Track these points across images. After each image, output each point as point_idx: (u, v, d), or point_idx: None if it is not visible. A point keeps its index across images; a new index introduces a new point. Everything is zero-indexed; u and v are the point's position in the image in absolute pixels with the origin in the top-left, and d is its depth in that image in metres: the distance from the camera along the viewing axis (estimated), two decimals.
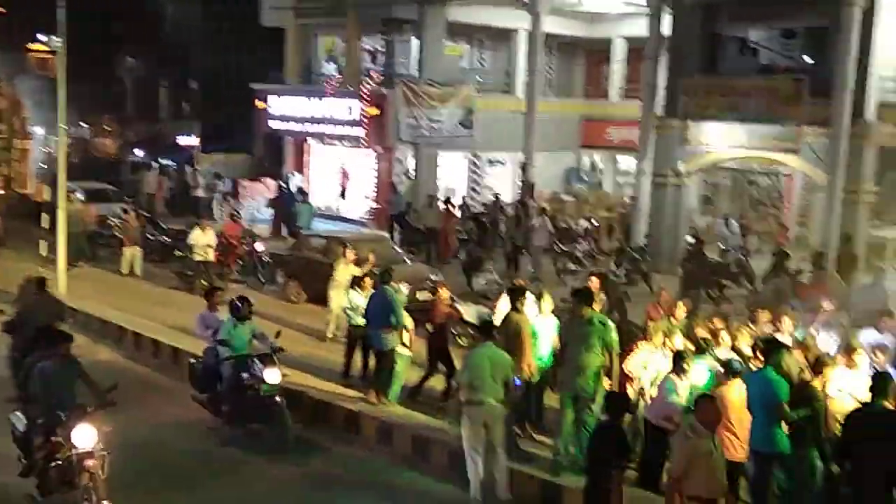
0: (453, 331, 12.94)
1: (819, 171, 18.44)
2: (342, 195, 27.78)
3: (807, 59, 19.95)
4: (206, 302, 11.48)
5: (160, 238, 21.15)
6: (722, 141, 19.97)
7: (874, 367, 9.10)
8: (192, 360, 11.23)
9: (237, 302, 10.65)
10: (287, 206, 24.37)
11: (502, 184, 28.09)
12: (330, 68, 28.59)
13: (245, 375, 10.28)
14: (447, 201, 22.55)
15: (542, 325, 10.36)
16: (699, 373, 9.02)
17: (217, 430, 10.49)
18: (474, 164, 28.40)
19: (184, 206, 27.48)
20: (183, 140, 42.08)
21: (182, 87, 46.56)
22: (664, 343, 9.67)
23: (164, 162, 33.04)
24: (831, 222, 17.93)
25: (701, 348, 9.46)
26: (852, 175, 17.94)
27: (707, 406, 7.15)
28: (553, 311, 10.75)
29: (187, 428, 10.73)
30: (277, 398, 10.11)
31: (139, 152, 39.40)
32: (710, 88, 19.63)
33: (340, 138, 26.64)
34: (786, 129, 18.49)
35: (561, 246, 20.62)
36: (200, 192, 27.99)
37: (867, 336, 10.37)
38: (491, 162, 28.74)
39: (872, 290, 13.06)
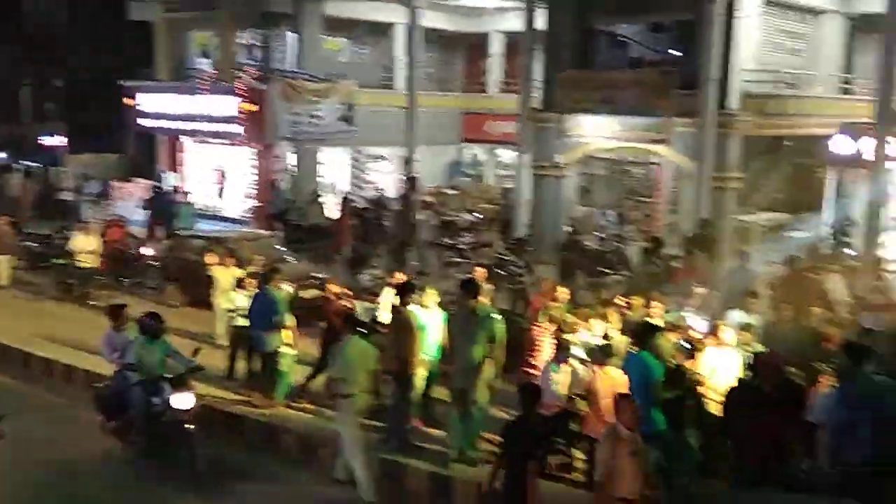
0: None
1: (688, 160, 19.21)
2: (220, 194, 27.09)
3: (675, 52, 20.73)
4: (108, 319, 10.59)
5: (31, 245, 19.98)
6: (597, 133, 20.53)
7: (743, 347, 9.58)
8: (98, 386, 10.43)
9: (147, 319, 9.92)
10: (162, 207, 23.55)
11: (386, 179, 28.04)
12: (204, 64, 27.78)
13: (155, 400, 9.60)
14: (344, 199, 22.39)
15: (427, 319, 10.40)
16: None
17: (129, 461, 9.80)
18: (356, 159, 28.24)
19: (50, 209, 26.15)
20: (47, 141, 40.07)
21: (46, 86, 44.31)
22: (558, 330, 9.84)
23: (29, 164, 31.39)
24: (700, 209, 18.71)
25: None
26: (719, 163, 18.76)
27: (626, 406, 7.25)
28: (440, 305, 10.80)
29: (96, 460, 9.93)
30: (187, 424, 9.41)
31: (0, 155, 37.30)
32: (583, 82, 20.13)
33: (217, 136, 25.93)
34: (656, 121, 19.17)
35: (446, 239, 20.77)
36: (68, 195, 26.71)
37: (735, 317, 10.90)
38: (373, 157, 28.64)
39: (741, 272, 13.70)
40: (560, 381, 8.88)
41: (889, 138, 16.81)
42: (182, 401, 9.50)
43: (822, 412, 7.72)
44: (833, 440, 7.18)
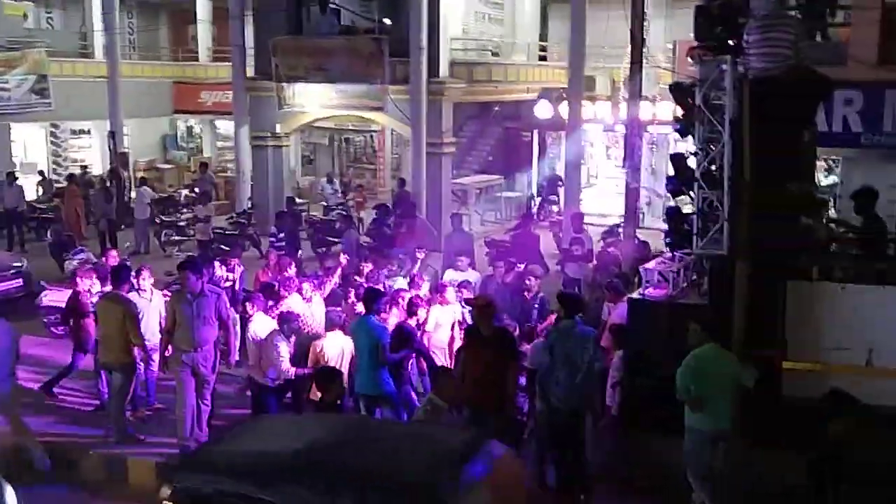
0: None
1: (405, 126, 19.66)
2: None
3: (386, 20, 21.00)
4: None
5: None
6: (315, 101, 20.37)
7: (461, 302, 10.00)
8: None
9: None
10: None
11: (91, 155, 25.96)
12: None
13: None
14: (70, 178, 20.48)
15: (144, 303, 9.74)
16: None
17: None
18: (54, 135, 25.84)
19: None
20: None
21: None
22: None
23: None
24: (419, 173, 19.26)
25: None
26: (433, 129, 19.38)
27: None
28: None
29: None
30: None
31: None
32: (297, 49, 19.84)
33: None
34: (372, 88, 19.37)
35: (163, 217, 19.67)
36: None
37: (452, 276, 11.37)
38: (74, 132, 26.38)
39: (459, 234, 14.27)
40: (285, 353, 8.74)
41: (583, 101, 18.29)
42: None
43: (533, 358, 8.29)
44: (541, 384, 7.68)
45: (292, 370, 8.72)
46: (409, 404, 8.80)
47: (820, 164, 15.59)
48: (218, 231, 18.17)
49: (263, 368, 8.74)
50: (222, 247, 16.51)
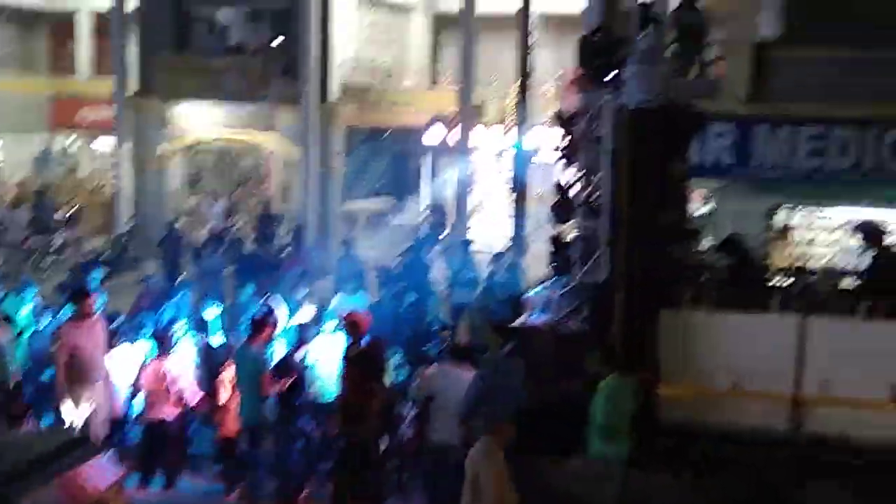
0: None
1: (295, 148, 19.42)
2: None
3: (276, 41, 20.75)
4: None
5: None
6: (202, 120, 19.89)
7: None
8: None
9: None
10: None
11: None
12: None
13: None
14: None
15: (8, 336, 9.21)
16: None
17: None
18: None
19: None
20: None
21: None
22: None
23: None
24: (309, 197, 19.04)
25: None
26: (324, 152, 19.22)
27: None
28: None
29: None
30: None
31: None
32: (183, 67, 19.40)
33: None
34: (261, 108, 19.09)
35: (36, 238, 18.75)
36: None
37: (343, 300, 11.22)
38: None
39: (348, 259, 14.12)
40: None
41: (474, 127, 18.53)
42: None
43: (431, 387, 8.16)
44: (466, 413, 7.55)
45: None
46: (303, 436, 8.61)
47: (699, 193, 16.26)
48: (93, 254, 17.43)
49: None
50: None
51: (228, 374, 8.61)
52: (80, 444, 6.23)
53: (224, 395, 8.59)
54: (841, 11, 10.64)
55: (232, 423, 8.51)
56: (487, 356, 7.85)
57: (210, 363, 9.23)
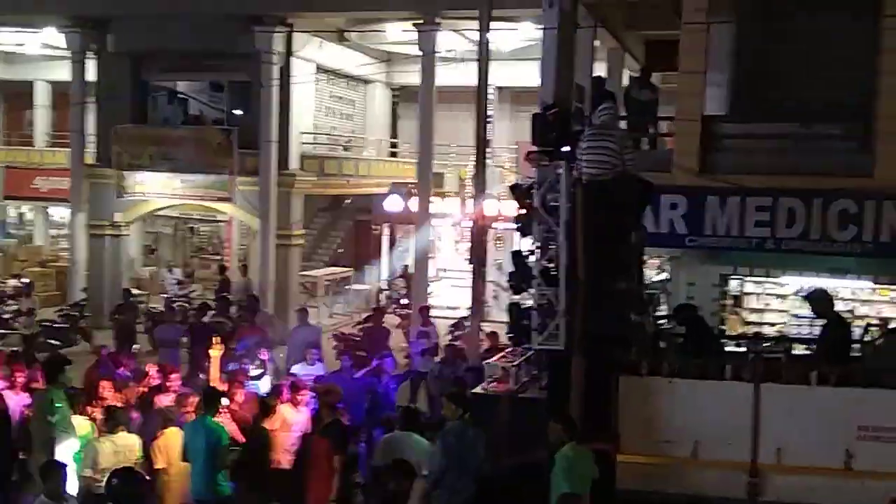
0: None
1: (253, 217, 19.41)
2: None
3: (236, 111, 20.93)
4: None
5: None
6: (159, 190, 19.84)
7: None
8: None
9: None
10: None
11: None
12: None
13: None
14: None
15: None
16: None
17: None
18: None
19: None
20: None
21: None
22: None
23: None
24: (267, 265, 18.97)
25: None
26: (283, 221, 19.24)
27: None
28: None
29: None
30: None
31: None
32: (141, 138, 19.43)
33: None
34: (219, 178, 19.13)
35: None
36: None
37: (300, 369, 11.12)
38: None
39: (304, 328, 14.00)
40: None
41: (431, 197, 18.71)
42: None
43: (386, 454, 8.08)
44: (430, 484, 7.49)
45: None
46: None
47: (654, 261, 16.53)
48: (46, 324, 17.09)
49: None
50: (49, 341, 15.51)
51: (162, 441, 8.40)
52: None
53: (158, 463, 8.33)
54: (785, 89, 11.08)
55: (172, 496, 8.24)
56: (449, 426, 7.81)
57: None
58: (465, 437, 7.50)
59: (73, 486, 7.97)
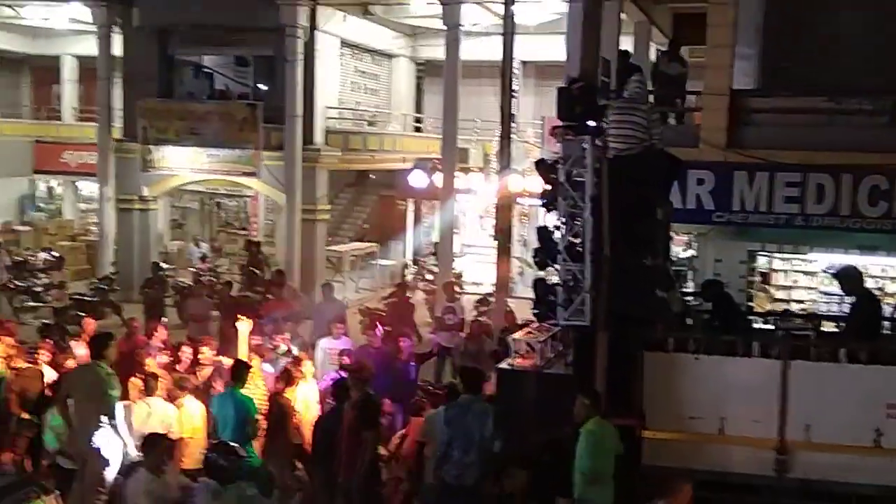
0: None
1: (279, 192, 19.50)
2: None
3: (261, 86, 20.96)
4: None
5: None
6: (185, 165, 19.96)
7: (335, 371, 9.85)
8: None
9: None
10: None
11: None
12: None
13: None
14: None
15: None
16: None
17: None
18: None
19: None
20: None
21: None
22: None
23: None
24: (293, 240, 19.07)
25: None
26: (308, 196, 19.30)
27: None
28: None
29: None
30: None
31: None
32: (167, 112, 19.49)
33: None
34: (245, 153, 19.18)
35: (17, 282, 18.61)
36: None
37: (326, 344, 11.20)
38: None
39: (330, 303, 14.08)
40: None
41: (456, 172, 18.66)
42: None
43: (425, 431, 8.17)
44: (437, 459, 7.59)
45: None
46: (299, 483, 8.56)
47: (682, 238, 16.42)
48: (77, 297, 17.32)
49: None
50: (80, 314, 15.71)
51: (183, 411, 8.56)
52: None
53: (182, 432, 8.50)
54: (814, 63, 10.91)
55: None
56: (453, 401, 7.85)
57: None
58: (469, 410, 7.53)
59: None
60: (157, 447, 6.88)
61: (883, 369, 7.28)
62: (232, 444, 7.07)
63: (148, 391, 8.64)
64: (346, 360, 10.06)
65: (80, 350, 10.21)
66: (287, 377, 9.14)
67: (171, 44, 20.37)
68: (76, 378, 8.60)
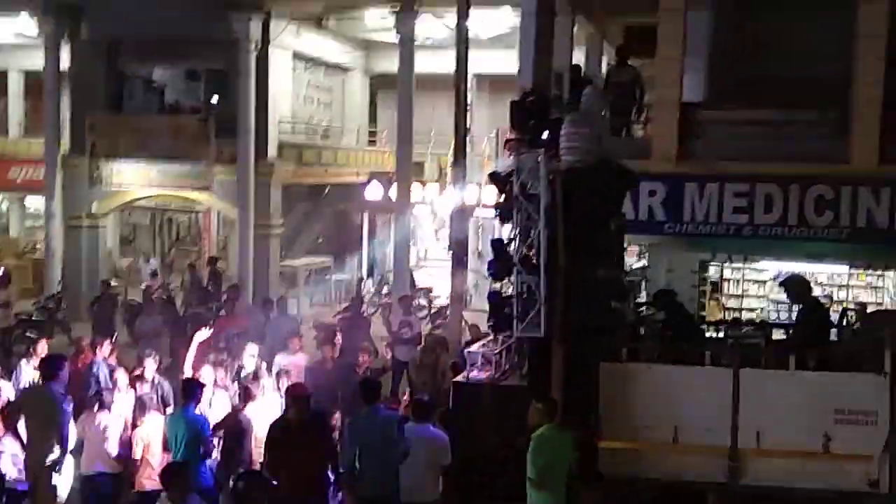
0: None
1: (232, 207, 19.28)
2: None
3: (213, 100, 20.73)
4: None
5: None
6: (136, 180, 19.67)
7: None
8: None
9: None
10: None
11: None
12: None
13: None
14: None
15: None
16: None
17: None
18: None
19: None
20: None
21: None
22: None
23: None
24: (246, 255, 18.86)
25: None
26: (261, 210, 19.12)
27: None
28: None
29: None
30: None
31: None
32: (116, 126, 19.23)
33: None
34: (197, 168, 18.96)
35: None
36: None
37: (282, 359, 11.05)
38: None
39: (283, 318, 13.92)
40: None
41: (412, 185, 18.64)
42: None
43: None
44: (345, 474, 7.43)
45: None
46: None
47: (634, 248, 16.59)
48: (23, 316, 16.90)
49: None
50: (27, 334, 15.33)
51: (143, 430, 8.40)
52: None
53: (138, 451, 8.33)
54: (762, 76, 11.14)
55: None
56: (358, 414, 7.63)
57: None
58: (373, 423, 7.34)
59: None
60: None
61: (830, 375, 7.42)
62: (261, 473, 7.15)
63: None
64: (284, 380, 9.86)
65: (29, 371, 9.96)
66: (245, 394, 9.01)
67: (121, 57, 20.08)
68: (28, 399, 8.41)
